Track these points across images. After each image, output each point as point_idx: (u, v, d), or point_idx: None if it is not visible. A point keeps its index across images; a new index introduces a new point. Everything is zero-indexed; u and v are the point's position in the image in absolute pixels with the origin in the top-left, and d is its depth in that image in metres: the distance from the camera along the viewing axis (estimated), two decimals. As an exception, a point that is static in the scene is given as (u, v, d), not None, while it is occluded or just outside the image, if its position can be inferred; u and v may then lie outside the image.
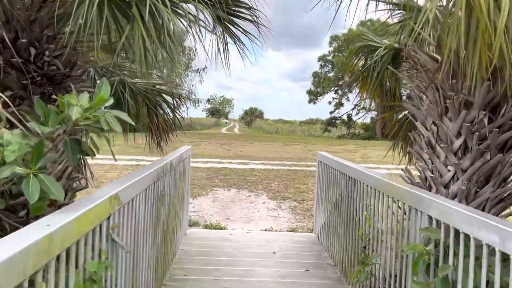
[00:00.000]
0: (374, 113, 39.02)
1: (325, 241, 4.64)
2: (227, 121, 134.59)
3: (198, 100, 42.26)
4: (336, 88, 41.85)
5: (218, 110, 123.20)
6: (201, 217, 6.36)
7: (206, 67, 42.13)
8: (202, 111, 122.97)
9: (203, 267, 3.96)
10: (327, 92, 41.41)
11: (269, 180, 9.89)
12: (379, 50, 3.88)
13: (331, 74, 42.09)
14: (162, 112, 4.80)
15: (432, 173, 2.80)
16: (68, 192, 3.51)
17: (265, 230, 5.78)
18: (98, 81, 4.76)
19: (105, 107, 1.82)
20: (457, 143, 2.68)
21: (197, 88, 54.33)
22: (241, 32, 3.37)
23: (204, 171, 10.97)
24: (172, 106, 4.79)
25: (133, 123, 1.83)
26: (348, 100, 42.65)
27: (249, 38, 3.36)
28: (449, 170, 2.72)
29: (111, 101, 1.84)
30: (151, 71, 4.39)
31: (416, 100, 3.03)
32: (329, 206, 4.51)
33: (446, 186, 2.74)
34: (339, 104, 42.08)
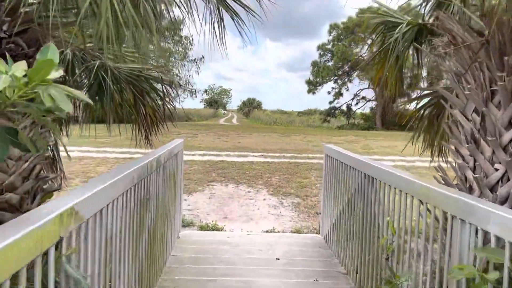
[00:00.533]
0: (374, 103, 38.27)
1: (335, 245, 4.14)
2: (225, 112, 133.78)
3: (195, 91, 41.64)
4: (335, 78, 41.25)
5: (216, 101, 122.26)
6: (196, 217, 5.85)
7: (203, 57, 41.41)
8: (200, 102, 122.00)
9: (197, 278, 3.45)
10: (327, 82, 40.82)
11: (269, 173, 9.39)
12: (400, 26, 3.32)
13: (330, 64, 41.44)
14: (150, 100, 4.25)
15: (475, 173, 2.28)
16: (37, 195, 2.99)
17: (267, 231, 5.27)
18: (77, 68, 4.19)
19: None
20: (508, 136, 2.16)
21: (194, 79, 53.58)
22: (239, 3, 2.83)
23: (201, 165, 10.45)
24: (161, 94, 4.24)
25: (90, 101, 1.32)
26: (348, 90, 42.13)
27: (246, 10, 2.82)
28: (496, 169, 2.21)
29: (60, 72, 1.25)
30: (129, 53, 3.85)
31: (453, 84, 2.49)
32: (340, 206, 4.00)
33: (493, 189, 2.23)
34: (339, 94, 41.53)
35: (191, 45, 40.00)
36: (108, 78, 3.68)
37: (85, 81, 3.95)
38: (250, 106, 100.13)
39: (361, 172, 3.32)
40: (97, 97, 3.91)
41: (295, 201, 7.06)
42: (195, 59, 41.22)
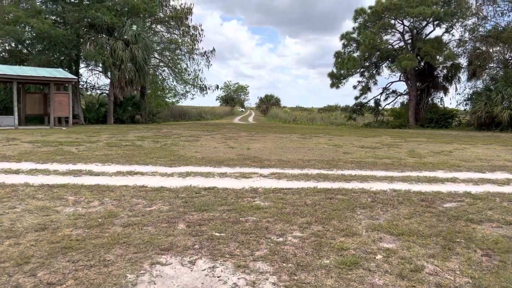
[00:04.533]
0: (406, 98, 33.67)
1: None
2: (243, 109, 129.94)
3: (205, 87, 37.55)
4: (362, 70, 36.62)
5: (232, 98, 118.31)
6: None
7: (214, 50, 37.30)
8: (216, 99, 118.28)
9: None
10: (352, 74, 36.21)
11: (282, 222, 5.19)
12: None
13: (356, 54, 36.84)
14: None
15: None
16: None
17: None
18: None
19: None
20: None
21: (203, 73, 49.66)
22: None
23: (171, 198, 6.33)
24: None
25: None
26: (376, 83, 37.44)
27: None
28: None
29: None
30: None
31: None
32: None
33: None
34: (366, 88, 36.86)
35: (200, 36, 35.99)
36: None
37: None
38: (268, 103, 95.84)
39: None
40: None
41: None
42: (205, 52, 37.19)
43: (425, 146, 16.53)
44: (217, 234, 4.64)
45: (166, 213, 5.47)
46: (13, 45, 29.92)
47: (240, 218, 5.26)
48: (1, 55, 29.58)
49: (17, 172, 8.27)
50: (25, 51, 30.14)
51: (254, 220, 5.19)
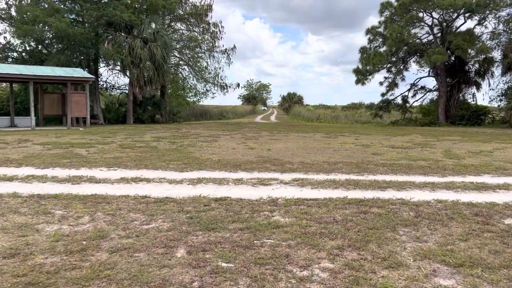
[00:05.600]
0: (435, 94, 31.95)
1: None
2: (265, 108, 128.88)
3: (226, 85, 36.67)
4: (389, 66, 35.09)
5: (254, 97, 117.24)
6: None
7: (234, 47, 36.40)
8: (238, 98, 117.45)
9: None
10: (379, 70, 34.72)
11: (305, 247, 4.17)
12: None
13: (382, 49, 35.34)
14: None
15: None
16: None
17: None
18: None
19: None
20: None
21: (224, 71, 48.78)
22: None
23: (174, 214, 5.38)
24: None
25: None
26: (404, 79, 35.84)
27: None
28: None
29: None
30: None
31: None
32: None
33: None
34: (393, 84, 35.31)
35: (221, 33, 35.12)
36: None
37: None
38: (290, 101, 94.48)
39: None
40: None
41: None
42: (225, 49, 36.29)
43: (461, 146, 15.20)
44: (224, 264, 3.66)
45: (165, 232, 4.51)
46: (33, 45, 29.70)
47: (255, 241, 4.26)
48: (21, 55, 29.40)
49: (11, 179, 7.48)
50: (45, 51, 29.89)
51: (272, 244, 4.18)
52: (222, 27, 35.00)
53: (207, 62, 36.17)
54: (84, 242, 4.22)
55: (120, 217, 5.07)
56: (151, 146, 13.67)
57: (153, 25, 29.72)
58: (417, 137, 19.58)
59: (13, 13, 27.77)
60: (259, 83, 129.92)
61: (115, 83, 39.31)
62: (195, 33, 35.07)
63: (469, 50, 31.24)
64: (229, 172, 8.48)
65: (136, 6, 29.37)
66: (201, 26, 34.51)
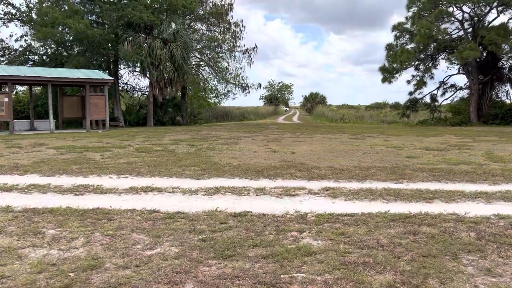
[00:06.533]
0: (466, 92, 30.35)
1: None
2: (287, 108, 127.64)
3: (247, 86, 35.85)
4: (417, 63, 33.65)
5: (276, 97, 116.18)
6: None
7: (256, 46, 35.58)
8: (260, 99, 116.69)
9: None
10: (406, 68, 33.31)
11: (347, 285, 3.27)
12: None
13: (409, 46, 33.92)
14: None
15: None
16: None
17: None
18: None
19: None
20: None
21: (245, 71, 48.28)
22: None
23: (185, 235, 4.54)
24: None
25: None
26: (433, 77, 34.32)
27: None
28: None
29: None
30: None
31: None
32: None
33: None
34: (421, 83, 33.83)
35: (242, 33, 34.34)
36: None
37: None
38: (313, 101, 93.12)
39: None
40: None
41: None
42: (247, 49, 35.47)
43: (501, 147, 13.96)
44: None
45: (171, 261, 3.68)
46: (53, 47, 29.55)
47: (282, 275, 3.37)
48: (42, 58, 29.26)
49: (10, 189, 6.79)
50: (65, 53, 29.70)
51: (304, 281, 3.29)
52: (243, 26, 34.23)
53: (227, 62, 35.46)
54: (72, 275, 3.42)
55: (121, 239, 4.26)
56: (168, 149, 12.94)
57: (173, 25, 29.16)
58: (451, 137, 18.34)
59: (34, 16, 27.63)
60: (281, 84, 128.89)
61: (136, 85, 38.99)
62: (216, 33, 34.39)
63: (503, 45, 29.58)
64: (250, 180, 7.62)
65: (156, 6, 28.87)
66: (222, 25, 33.80)
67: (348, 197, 6.20)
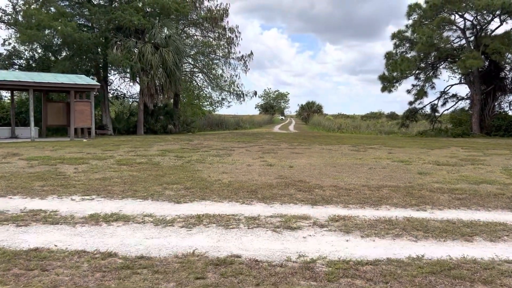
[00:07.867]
0: (468, 102, 29.12)
1: None
2: (283, 117, 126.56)
3: (242, 94, 34.62)
4: (417, 72, 32.58)
5: (272, 106, 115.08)
6: None
7: (251, 53, 34.43)
8: (255, 108, 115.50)
9: None
10: (407, 77, 32.22)
11: None
12: None
13: (409, 55, 32.87)
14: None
15: None
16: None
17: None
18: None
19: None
20: None
21: (241, 79, 47.16)
22: None
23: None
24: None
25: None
26: (434, 87, 33.27)
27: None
28: None
29: None
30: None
31: None
32: None
33: None
34: (422, 93, 32.72)
35: (237, 39, 33.19)
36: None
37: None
38: (309, 111, 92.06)
39: None
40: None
41: None
42: (242, 56, 34.30)
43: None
44: None
45: None
46: (40, 51, 28.22)
47: None
48: (28, 62, 27.91)
49: None
50: (53, 58, 28.38)
51: None
52: (239, 32, 33.09)
53: (222, 69, 34.25)
54: None
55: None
56: (153, 162, 11.62)
57: (165, 30, 27.95)
58: (458, 150, 17.13)
59: (20, 18, 26.32)
60: (276, 92, 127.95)
61: (126, 91, 37.73)
62: (210, 38, 33.21)
63: (507, 54, 28.58)
64: (241, 204, 6.30)
65: (148, 10, 27.65)
66: (217, 31, 32.63)
67: (365, 231, 4.88)
